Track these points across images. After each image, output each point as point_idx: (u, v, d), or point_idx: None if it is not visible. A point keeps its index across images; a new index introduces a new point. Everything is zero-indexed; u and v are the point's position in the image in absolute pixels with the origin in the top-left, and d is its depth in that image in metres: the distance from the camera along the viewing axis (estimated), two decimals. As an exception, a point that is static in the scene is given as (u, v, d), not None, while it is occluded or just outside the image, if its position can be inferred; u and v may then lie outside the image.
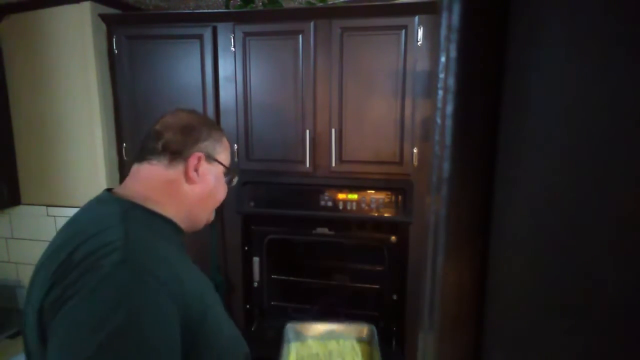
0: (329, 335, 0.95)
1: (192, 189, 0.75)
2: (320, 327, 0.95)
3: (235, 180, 0.86)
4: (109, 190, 0.74)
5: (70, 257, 0.58)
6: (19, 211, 1.90)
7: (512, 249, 0.27)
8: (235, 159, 1.59)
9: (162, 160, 0.74)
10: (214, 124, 0.83)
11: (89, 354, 0.50)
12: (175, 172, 0.74)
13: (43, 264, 0.63)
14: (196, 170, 0.75)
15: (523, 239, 0.25)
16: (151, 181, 0.73)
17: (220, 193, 0.82)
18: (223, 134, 0.83)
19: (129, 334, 0.52)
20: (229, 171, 0.83)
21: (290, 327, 0.94)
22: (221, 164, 0.80)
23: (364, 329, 0.96)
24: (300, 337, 0.94)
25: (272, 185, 1.59)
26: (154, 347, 0.54)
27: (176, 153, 0.74)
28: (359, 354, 0.90)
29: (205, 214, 0.81)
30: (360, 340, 0.95)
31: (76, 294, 0.54)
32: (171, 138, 0.74)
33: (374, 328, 0.94)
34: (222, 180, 0.81)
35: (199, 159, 0.75)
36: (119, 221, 0.63)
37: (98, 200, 0.72)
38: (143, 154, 0.75)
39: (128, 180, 0.75)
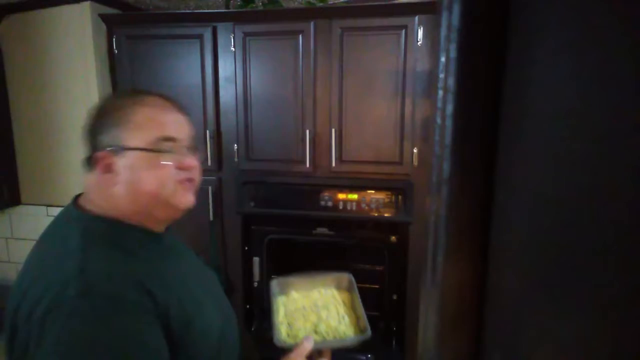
0: (311, 286, 0.99)
1: (118, 190, 0.64)
2: (302, 279, 1.00)
3: (175, 152, 0.66)
4: (79, 195, 0.70)
5: (28, 291, 0.55)
6: (19, 211, 1.90)
7: (512, 249, 0.27)
8: (235, 159, 1.59)
9: (86, 166, 0.67)
10: (119, 102, 0.67)
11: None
12: (96, 176, 0.65)
13: (12, 292, 0.60)
14: (110, 171, 0.64)
15: (523, 239, 0.25)
16: (92, 188, 0.67)
17: (152, 180, 0.64)
18: (134, 108, 0.65)
19: None
20: (153, 150, 0.64)
21: (276, 283, 0.98)
22: (136, 149, 0.63)
23: (342, 278, 1.01)
24: (284, 290, 0.98)
25: (272, 185, 1.59)
26: None
27: (89, 158, 0.66)
28: (340, 302, 0.97)
29: (160, 205, 0.66)
30: (339, 288, 1.00)
31: (42, 338, 0.51)
32: (85, 142, 0.67)
33: (352, 277, 0.99)
34: (153, 162, 0.64)
35: (103, 158, 0.64)
36: (76, 245, 0.58)
37: (64, 213, 0.67)
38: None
39: (85, 189, 0.69)
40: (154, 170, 0.64)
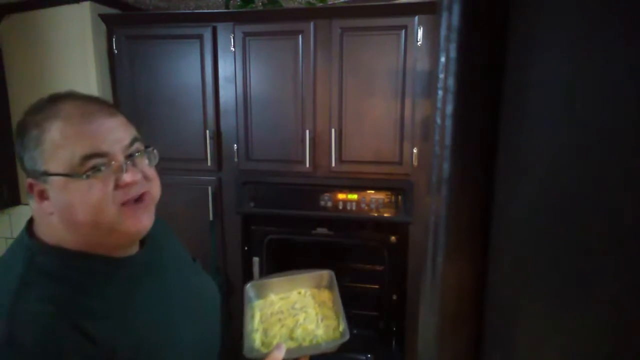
0: (290, 287, 0.91)
1: (55, 219, 0.54)
2: (280, 280, 0.90)
3: (107, 169, 0.54)
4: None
5: None
6: (19, 211, 1.90)
7: (512, 248, 0.27)
8: (235, 159, 1.59)
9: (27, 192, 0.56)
10: (38, 117, 0.54)
11: None
12: (34, 204, 0.56)
13: None
14: (45, 198, 0.54)
15: (523, 238, 0.25)
16: (35, 216, 0.58)
17: (84, 207, 0.53)
18: (51, 122, 0.52)
19: None
20: (77, 172, 0.52)
21: (250, 286, 0.88)
22: (57, 174, 0.52)
23: (323, 276, 0.92)
24: (261, 294, 0.90)
25: (272, 185, 1.59)
26: None
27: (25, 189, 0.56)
28: (320, 302, 0.89)
29: (105, 233, 0.55)
30: (320, 287, 0.91)
31: None
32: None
33: (333, 274, 0.91)
34: (80, 188, 0.52)
35: (32, 187, 0.54)
36: (13, 281, 0.51)
37: (19, 238, 0.58)
38: None
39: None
40: (84, 197, 0.52)
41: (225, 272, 1.70)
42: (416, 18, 1.38)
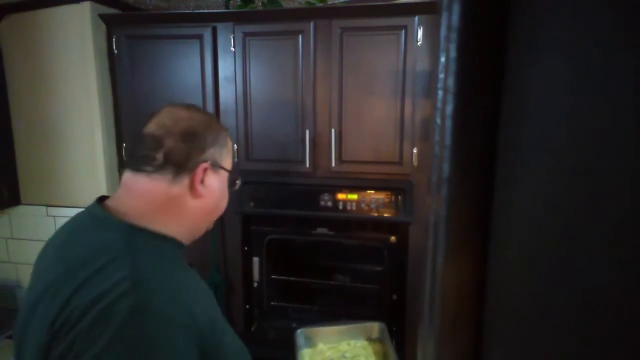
0: (339, 338, 0.94)
1: (199, 203, 0.67)
2: (330, 330, 0.94)
3: (239, 183, 0.77)
4: (100, 200, 0.66)
5: (71, 301, 0.53)
6: (19, 211, 1.90)
7: (512, 249, 0.27)
8: (235, 159, 1.59)
9: (165, 175, 0.64)
10: (217, 123, 0.73)
11: None
12: (179, 187, 0.65)
13: (41, 299, 0.57)
14: (202, 182, 0.67)
15: (523, 239, 0.25)
16: (151, 198, 0.64)
17: (225, 200, 0.74)
18: (227, 133, 0.74)
19: None
20: (233, 176, 0.75)
21: (300, 333, 0.92)
22: (227, 170, 0.72)
23: (374, 328, 0.95)
24: (310, 342, 0.93)
25: (272, 185, 1.59)
26: None
27: (180, 166, 0.65)
28: (372, 353, 0.89)
29: (208, 224, 0.73)
30: (370, 339, 0.94)
31: (86, 352, 0.49)
32: (173, 147, 0.65)
33: (384, 326, 0.93)
34: (226, 186, 0.73)
35: (205, 171, 0.67)
36: (123, 253, 0.56)
37: (93, 218, 0.63)
38: (138, 163, 0.65)
39: (123, 194, 0.66)
40: (227, 193, 0.74)
41: (225, 272, 1.70)
42: (416, 18, 1.38)
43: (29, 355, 0.56)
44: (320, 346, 0.91)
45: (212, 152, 0.69)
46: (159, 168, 0.64)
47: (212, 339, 0.59)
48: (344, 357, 0.86)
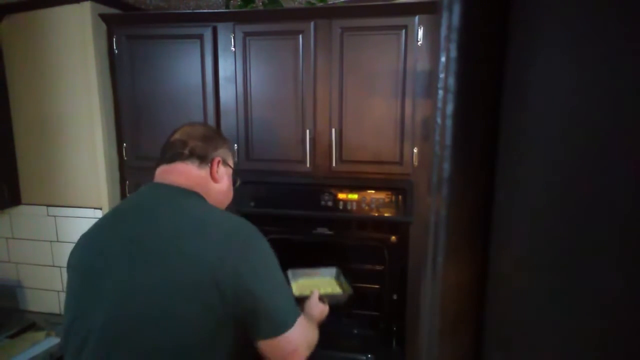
0: (314, 276, 1.48)
1: (217, 186, 0.94)
2: (308, 271, 1.49)
3: (239, 182, 1.04)
4: (154, 184, 0.91)
5: (213, 240, 0.78)
6: (19, 211, 1.90)
7: (513, 248, 0.27)
8: (235, 159, 1.59)
9: (194, 162, 0.90)
10: (222, 135, 1.02)
11: (279, 272, 0.85)
12: (204, 172, 0.92)
13: (175, 244, 0.78)
14: (216, 172, 0.93)
15: (523, 238, 0.25)
16: (192, 176, 0.90)
17: (232, 192, 1.01)
18: (229, 143, 1.04)
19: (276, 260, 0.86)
20: (236, 174, 1.03)
21: (289, 272, 1.45)
22: (231, 167, 1.00)
23: (332, 271, 1.50)
24: (295, 278, 1.45)
25: (272, 185, 1.59)
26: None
27: (202, 157, 0.91)
28: (335, 285, 1.41)
29: (224, 207, 0.99)
30: (333, 277, 1.48)
31: (250, 255, 0.80)
32: (196, 145, 0.91)
33: (339, 269, 1.51)
34: (232, 179, 1.01)
35: (218, 163, 0.94)
36: (220, 212, 0.87)
37: (169, 191, 0.87)
38: (171, 158, 0.91)
39: (169, 176, 0.89)
40: (229, 182, 1.00)
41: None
42: (416, 18, 1.38)
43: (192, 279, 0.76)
44: (300, 281, 1.44)
45: (222, 152, 0.96)
46: (187, 158, 0.90)
47: None
48: (316, 285, 1.36)
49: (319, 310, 1.09)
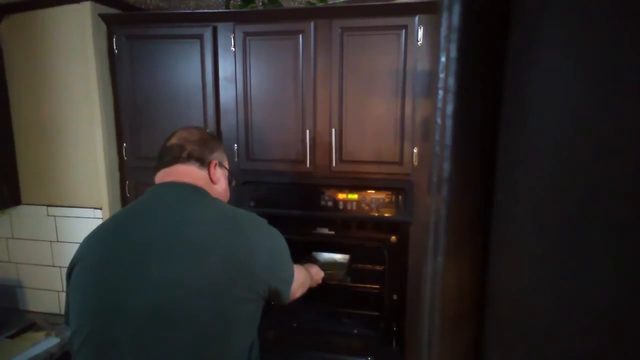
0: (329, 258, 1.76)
1: (217, 187, 0.98)
2: (326, 255, 1.77)
3: (234, 182, 1.11)
4: (162, 184, 0.93)
5: (244, 234, 0.86)
6: (19, 211, 1.90)
7: (512, 248, 0.27)
8: (235, 159, 1.59)
9: (193, 164, 0.95)
10: (216, 137, 1.12)
11: (288, 258, 0.98)
12: (204, 173, 0.96)
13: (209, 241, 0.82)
14: (214, 174, 0.98)
15: (523, 239, 0.25)
16: (195, 176, 0.94)
17: (229, 192, 1.06)
18: (223, 146, 1.08)
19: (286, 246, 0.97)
20: (231, 175, 1.08)
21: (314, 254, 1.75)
22: (227, 168, 1.05)
23: (346, 257, 1.75)
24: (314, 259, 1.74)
25: (272, 185, 1.59)
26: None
27: (200, 160, 0.96)
28: (341, 267, 1.67)
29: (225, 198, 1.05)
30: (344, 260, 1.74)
31: (266, 241, 0.91)
32: (193, 149, 0.95)
33: (348, 258, 1.74)
34: (228, 179, 1.06)
35: (215, 166, 0.98)
36: (230, 207, 0.93)
37: (181, 190, 0.90)
38: (170, 161, 0.94)
39: (173, 177, 0.92)
40: (226, 183, 1.05)
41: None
42: (416, 18, 1.38)
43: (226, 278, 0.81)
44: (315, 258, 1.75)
45: (217, 155, 1.01)
46: (186, 160, 0.94)
47: None
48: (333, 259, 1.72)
49: (315, 270, 1.33)
